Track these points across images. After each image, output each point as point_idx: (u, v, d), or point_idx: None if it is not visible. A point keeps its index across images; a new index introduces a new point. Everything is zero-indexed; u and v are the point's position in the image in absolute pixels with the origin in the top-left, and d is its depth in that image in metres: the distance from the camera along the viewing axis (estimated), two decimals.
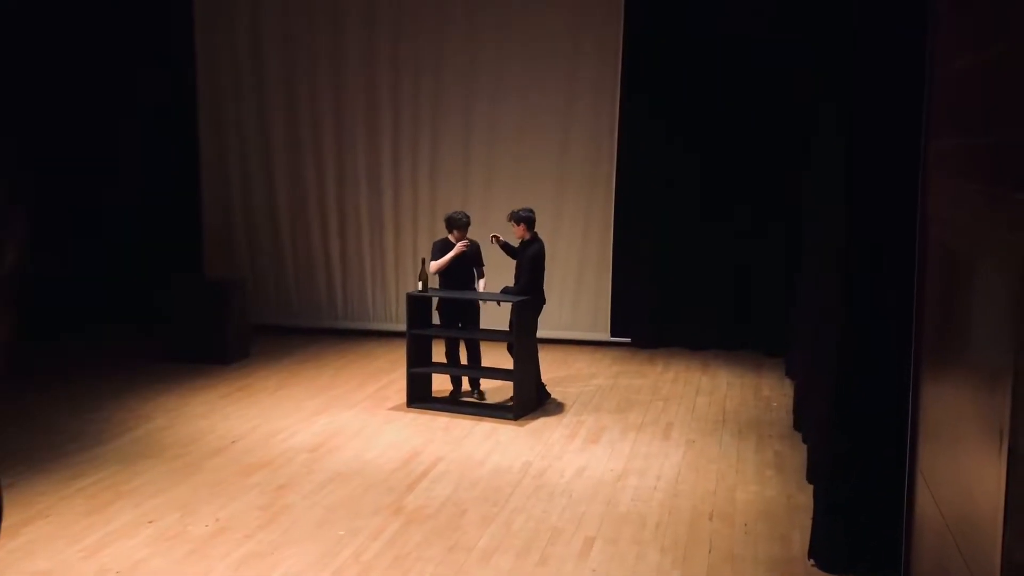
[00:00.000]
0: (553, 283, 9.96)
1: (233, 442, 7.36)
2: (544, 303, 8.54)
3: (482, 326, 8.78)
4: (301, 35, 11.34)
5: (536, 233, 8.38)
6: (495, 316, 9.06)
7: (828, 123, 6.09)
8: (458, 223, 8.43)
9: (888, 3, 4.71)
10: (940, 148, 4.20)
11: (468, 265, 8.45)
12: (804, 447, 7.08)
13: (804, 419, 7.40)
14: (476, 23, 11.01)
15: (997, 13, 3.23)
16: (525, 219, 8.29)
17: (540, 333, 8.65)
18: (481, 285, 8.47)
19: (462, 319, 8.54)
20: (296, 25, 11.34)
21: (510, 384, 8.22)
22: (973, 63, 3.58)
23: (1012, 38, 2.99)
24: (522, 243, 8.35)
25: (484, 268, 8.55)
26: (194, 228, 11.72)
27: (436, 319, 8.68)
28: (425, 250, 10.52)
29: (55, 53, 11.27)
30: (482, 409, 8.30)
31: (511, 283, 8.34)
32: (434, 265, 8.37)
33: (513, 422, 7.91)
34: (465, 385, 8.77)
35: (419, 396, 8.41)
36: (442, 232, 8.72)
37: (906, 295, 4.67)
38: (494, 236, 8.53)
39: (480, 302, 8.61)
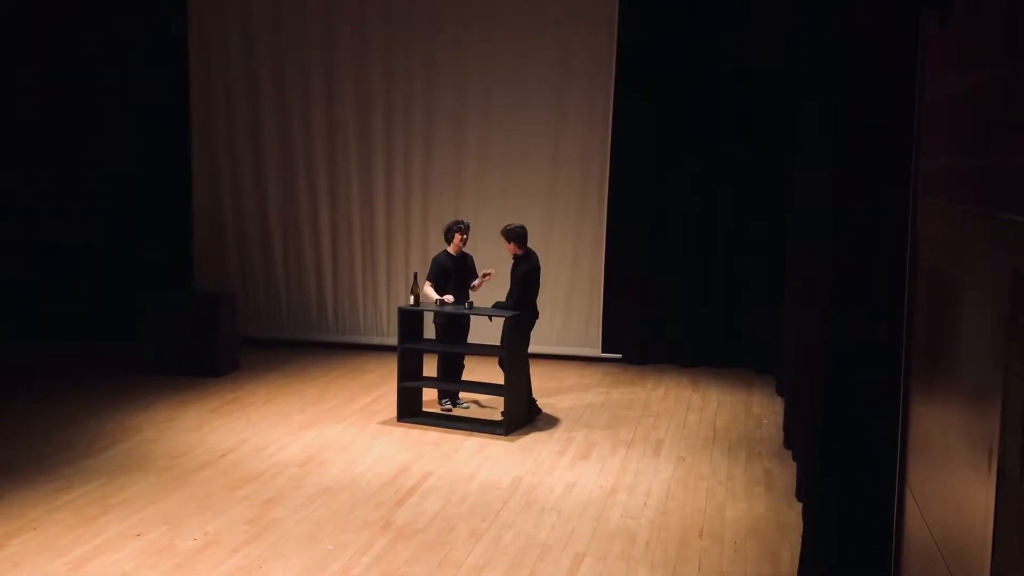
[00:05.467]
0: (544, 298, 9.95)
1: (222, 455, 7.33)
2: (537, 317, 8.55)
3: (476, 341, 8.79)
4: (293, 49, 11.35)
5: (530, 248, 8.39)
6: (488, 330, 9.06)
7: (817, 138, 6.12)
8: (459, 228, 8.49)
9: (879, 24, 4.74)
10: (929, 168, 4.23)
11: (466, 282, 8.51)
12: (794, 465, 7.08)
13: (794, 437, 7.41)
14: (467, 34, 11.02)
15: (985, 38, 3.26)
16: (516, 236, 8.29)
17: (531, 348, 8.65)
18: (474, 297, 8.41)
19: (456, 333, 8.56)
20: (288, 38, 11.36)
21: (500, 399, 8.21)
22: (962, 86, 3.60)
23: (1001, 62, 3.01)
24: (515, 259, 8.36)
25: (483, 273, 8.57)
26: (184, 240, 11.69)
27: (430, 331, 8.68)
28: (416, 263, 10.52)
29: (43, 56, 11.25)
30: (472, 424, 8.28)
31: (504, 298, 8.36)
32: (425, 287, 8.40)
33: (503, 437, 7.89)
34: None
35: (409, 410, 8.38)
36: (434, 247, 8.70)
37: (896, 314, 4.68)
38: (485, 274, 8.51)
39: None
